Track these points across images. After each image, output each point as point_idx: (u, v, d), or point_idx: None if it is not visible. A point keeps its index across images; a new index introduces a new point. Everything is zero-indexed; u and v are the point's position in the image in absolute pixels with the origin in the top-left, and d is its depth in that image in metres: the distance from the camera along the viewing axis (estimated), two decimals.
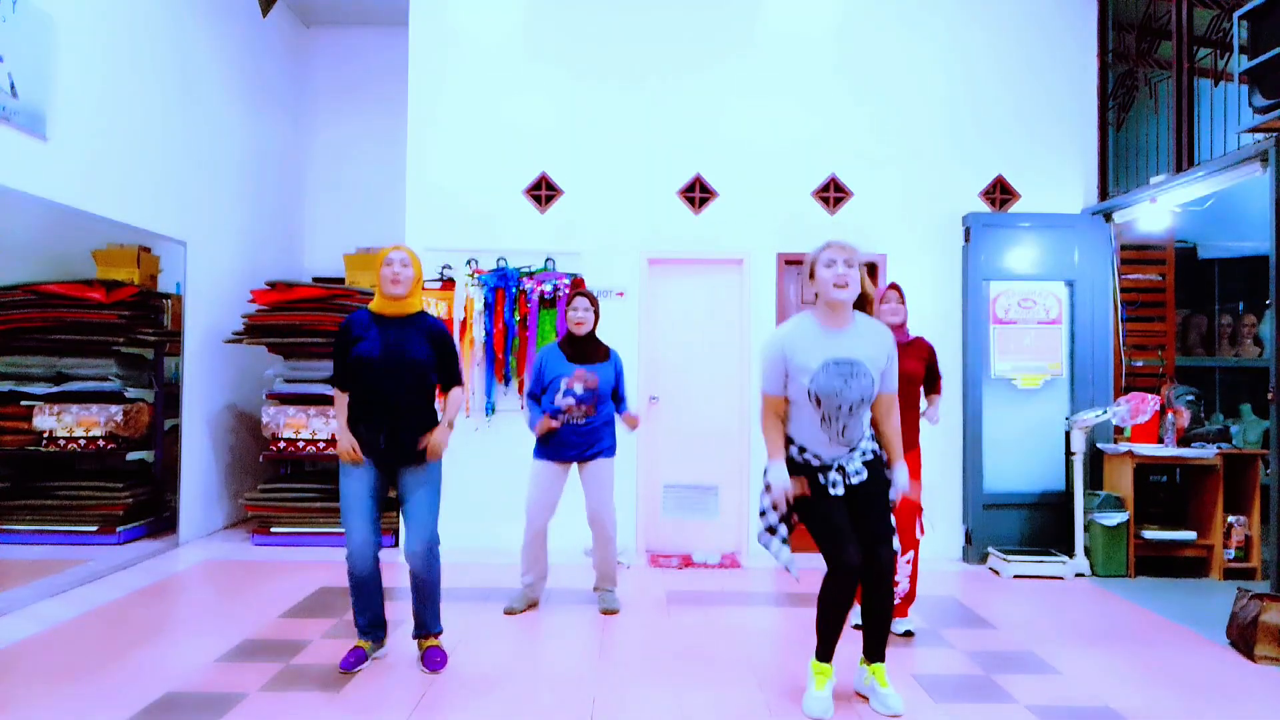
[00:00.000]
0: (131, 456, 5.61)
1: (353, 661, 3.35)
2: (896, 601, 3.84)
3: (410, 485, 3.35)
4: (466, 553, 5.27)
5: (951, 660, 3.63)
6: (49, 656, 3.47)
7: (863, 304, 3.15)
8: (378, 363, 3.24)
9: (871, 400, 3.00)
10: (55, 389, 5.38)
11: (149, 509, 5.60)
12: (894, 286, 3.92)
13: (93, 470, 5.57)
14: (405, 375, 3.26)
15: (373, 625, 3.42)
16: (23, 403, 5.37)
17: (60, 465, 5.55)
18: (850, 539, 2.97)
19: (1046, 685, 3.34)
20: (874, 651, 3.13)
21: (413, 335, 3.31)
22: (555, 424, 4.02)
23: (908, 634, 3.87)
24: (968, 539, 5.50)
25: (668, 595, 4.58)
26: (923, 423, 3.97)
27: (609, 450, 4.16)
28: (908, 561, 3.87)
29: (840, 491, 3.00)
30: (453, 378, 3.43)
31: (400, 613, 4.09)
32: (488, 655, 3.61)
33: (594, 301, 4.11)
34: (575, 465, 4.15)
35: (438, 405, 3.41)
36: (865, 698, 3.15)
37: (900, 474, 3.09)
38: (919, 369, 3.85)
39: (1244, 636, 3.73)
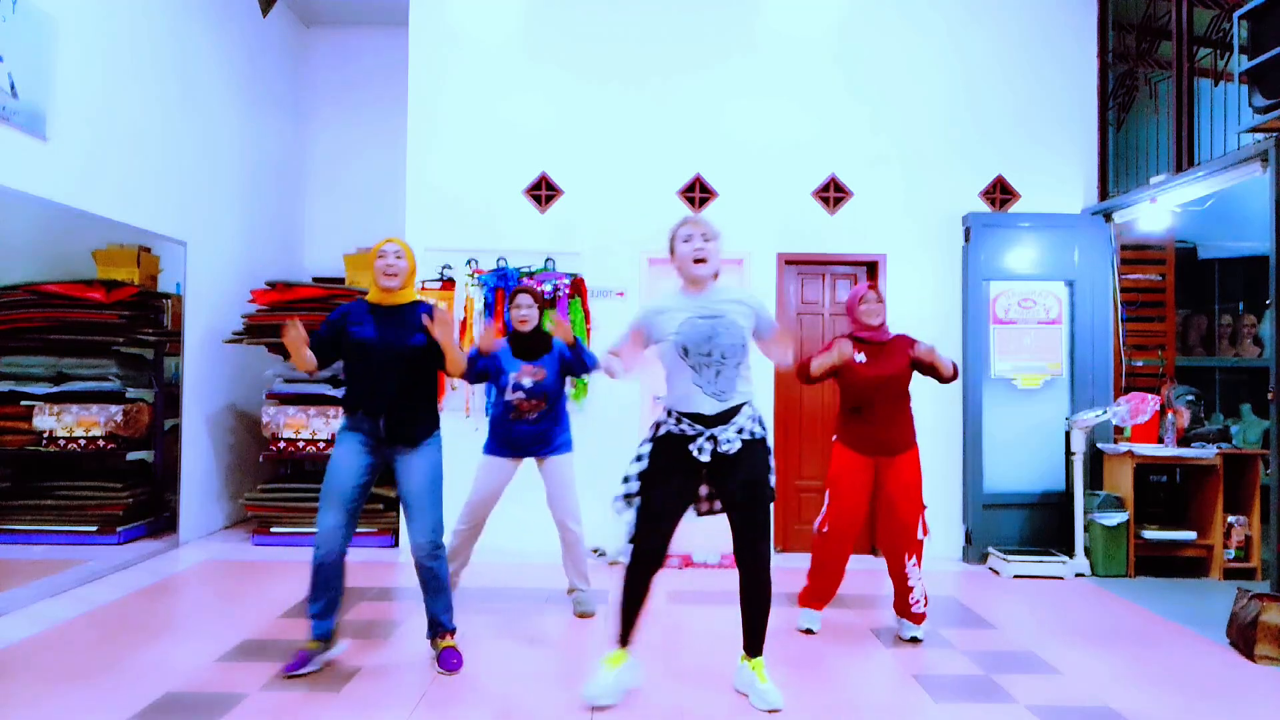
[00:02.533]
0: (131, 456, 5.61)
1: (295, 665, 3.25)
2: (919, 610, 3.85)
3: (411, 476, 3.30)
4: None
5: (951, 660, 3.63)
6: (49, 656, 3.47)
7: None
8: (376, 350, 3.23)
9: (745, 350, 3.05)
10: (55, 389, 5.37)
11: (149, 509, 5.59)
12: (872, 287, 3.91)
13: (93, 470, 5.56)
14: (402, 363, 3.25)
15: (322, 614, 3.29)
16: (23, 403, 5.37)
17: (60, 465, 5.55)
18: (664, 532, 3.03)
19: (1046, 685, 3.34)
20: (753, 646, 3.13)
21: (408, 325, 3.29)
22: (496, 336, 3.90)
23: (914, 640, 3.85)
24: (968, 539, 5.50)
25: (667, 595, 4.58)
26: (926, 422, 3.95)
27: (565, 446, 4.10)
28: (915, 565, 3.85)
29: (706, 459, 2.98)
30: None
31: (400, 614, 4.10)
32: (487, 655, 3.60)
33: (538, 298, 4.07)
34: (535, 463, 4.09)
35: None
36: (746, 694, 3.12)
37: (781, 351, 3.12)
38: (904, 367, 3.82)
39: (1244, 636, 3.73)
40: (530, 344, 4.02)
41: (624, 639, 3.12)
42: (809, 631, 3.93)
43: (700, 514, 3.18)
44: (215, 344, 5.92)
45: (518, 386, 3.94)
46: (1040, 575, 5.09)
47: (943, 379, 3.82)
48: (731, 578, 4.98)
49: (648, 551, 3.04)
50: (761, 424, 3.11)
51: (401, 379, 3.27)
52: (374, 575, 4.75)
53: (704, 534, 5.62)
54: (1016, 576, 5.08)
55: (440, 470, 3.39)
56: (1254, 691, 3.34)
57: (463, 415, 5.54)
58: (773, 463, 3.12)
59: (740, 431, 3.02)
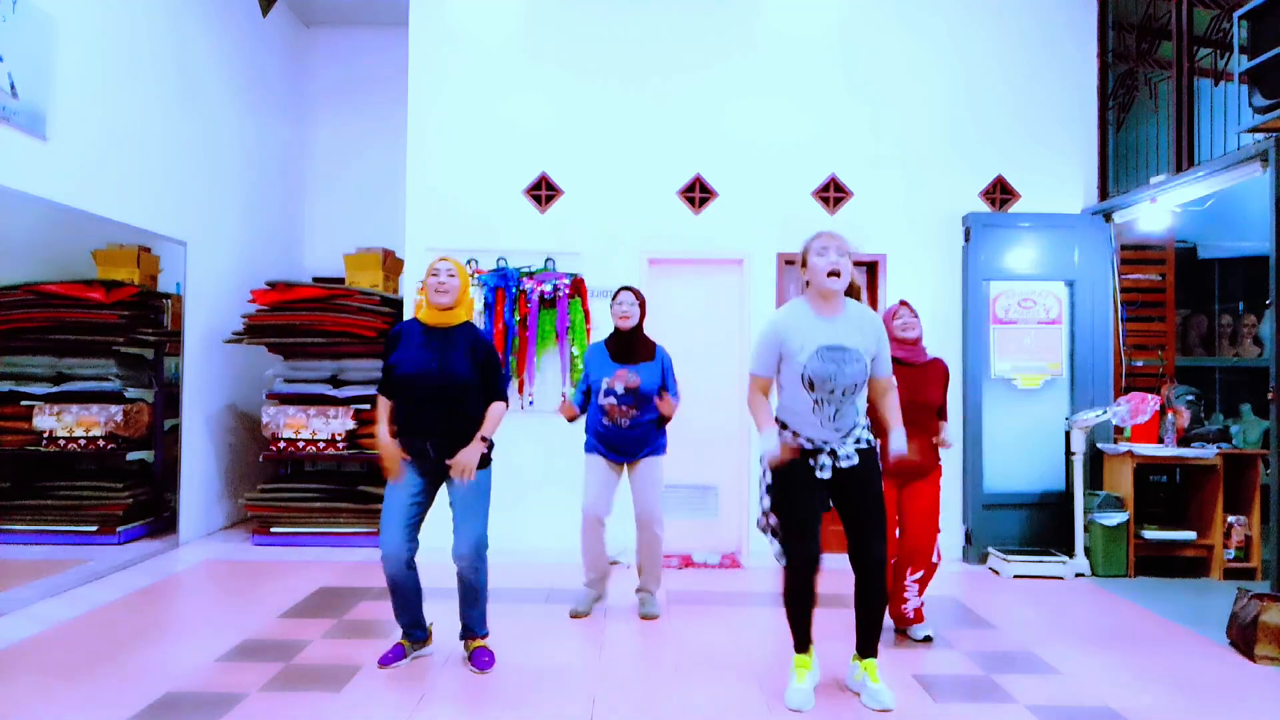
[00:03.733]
0: (131, 456, 5.61)
1: (390, 657, 3.41)
2: (910, 616, 3.86)
3: (458, 489, 3.34)
4: None
5: (951, 660, 3.63)
6: (49, 656, 3.47)
7: (851, 293, 3.19)
8: (421, 376, 3.26)
9: (864, 385, 3.05)
10: (55, 389, 5.38)
11: (149, 509, 5.60)
12: (904, 303, 3.88)
13: (93, 470, 5.57)
14: (449, 389, 3.27)
15: (411, 626, 3.45)
16: (23, 403, 5.37)
17: (60, 465, 5.55)
18: (812, 536, 3.05)
19: (1046, 685, 3.34)
20: (865, 647, 3.15)
21: (458, 347, 3.30)
22: (574, 411, 3.94)
23: (927, 639, 3.84)
24: (968, 539, 5.50)
25: (668, 595, 4.58)
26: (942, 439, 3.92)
27: (659, 449, 4.06)
28: (916, 581, 3.85)
29: (827, 475, 3.03)
30: (494, 393, 3.38)
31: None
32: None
33: (639, 297, 4.02)
34: (625, 465, 4.08)
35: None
36: (858, 694, 3.15)
37: (897, 439, 3.11)
38: (938, 394, 3.82)
39: (1244, 636, 3.73)
40: (629, 346, 3.96)
41: (803, 645, 3.16)
42: None
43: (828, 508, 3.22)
44: (215, 344, 5.92)
45: (609, 392, 3.90)
46: (1040, 575, 5.09)
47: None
48: (731, 578, 5.00)
49: (802, 558, 3.07)
50: (868, 428, 3.16)
51: (448, 407, 3.29)
52: (374, 575, 4.75)
53: (704, 534, 5.64)
54: (1016, 576, 5.08)
55: (489, 485, 3.41)
56: (1254, 691, 3.34)
57: None
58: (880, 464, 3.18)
59: (857, 442, 3.08)
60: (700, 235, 5.64)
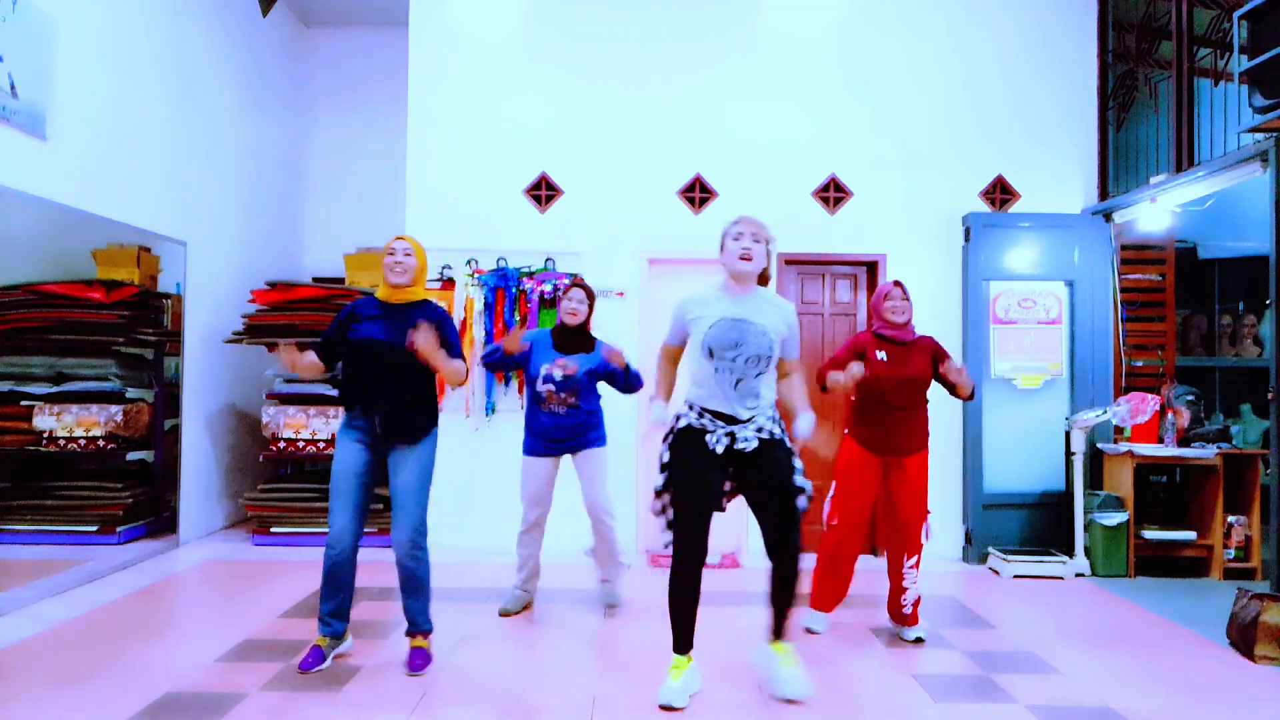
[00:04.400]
0: (131, 456, 5.61)
1: (311, 661, 3.30)
2: (908, 611, 3.85)
3: (400, 473, 3.31)
4: (466, 552, 5.28)
5: (951, 660, 3.63)
6: (49, 656, 3.47)
7: (762, 281, 3.24)
8: (376, 350, 3.24)
9: (770, 361, 3.08)
10: (55, 389, 5.37)
11: (149, 509, 5.59)
12: (898, 284, 3.87)
13: (93, 470, 5.56)
14: (405, 361, 3.24)
15: (335, 615, 3.34)
16: (23, 403, 5.37)
17: (60, 465, 5.55)
18: (702, 526, 3.04)
19: (1046, 685, 3.34)
20: (779, 631, 3.14)
21: (413, 325, 3.27)
22: (521, 345, 3.88)
23: (918, 640, 3.85)
24: (968, 539, 5.50)
25: (667, 594, 4.58)
26: (937, 423, 3.94)
27: (598, 440, 4.10)
28: (913, 567, 3.85)
29: (720, 450, 3.02)
30: (451, 355, 3.32)
31: (401, 614, 4.10)
32: (488, 655, 3.61)
33: (590, 294, 4.07)
34: (570, 459, 4.11)
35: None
36: (765, 681, 3.14)
37: (804, 422, 3.12)
38: (926, 369, 3.81)
39: (1244, 636, 3.73)
40: (573, 339, 4.02)
41: (683, 645, 3.11)
42: (811, 631, 3.93)
43: (722, 508, 3.19)
44: (215, 344, 5.92)
45: (548, 379, 3.95)
46: (1040, 575, 5.09)
47: (961, 397, 3.82)
48: (731, 578, 5.00)
49: (689, 549, 3.04)
50: (781, 427, 3.16)
51: (399, 380, 3.28)
52: (374, 575, 4.75)
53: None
54: (1016, 576, 5.08)
55: (431, 470, 3.39)
56: (1254, 691, 3.34)
57: (462, 415, 5.54)
58: (799, 464, 3.14)
59: (759, 430, 3.06)
60: (700, 235, 5.64)
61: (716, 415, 3.07)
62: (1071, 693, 3.27)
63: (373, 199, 7.05)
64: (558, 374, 3.95)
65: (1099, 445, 5.40)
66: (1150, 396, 5.19)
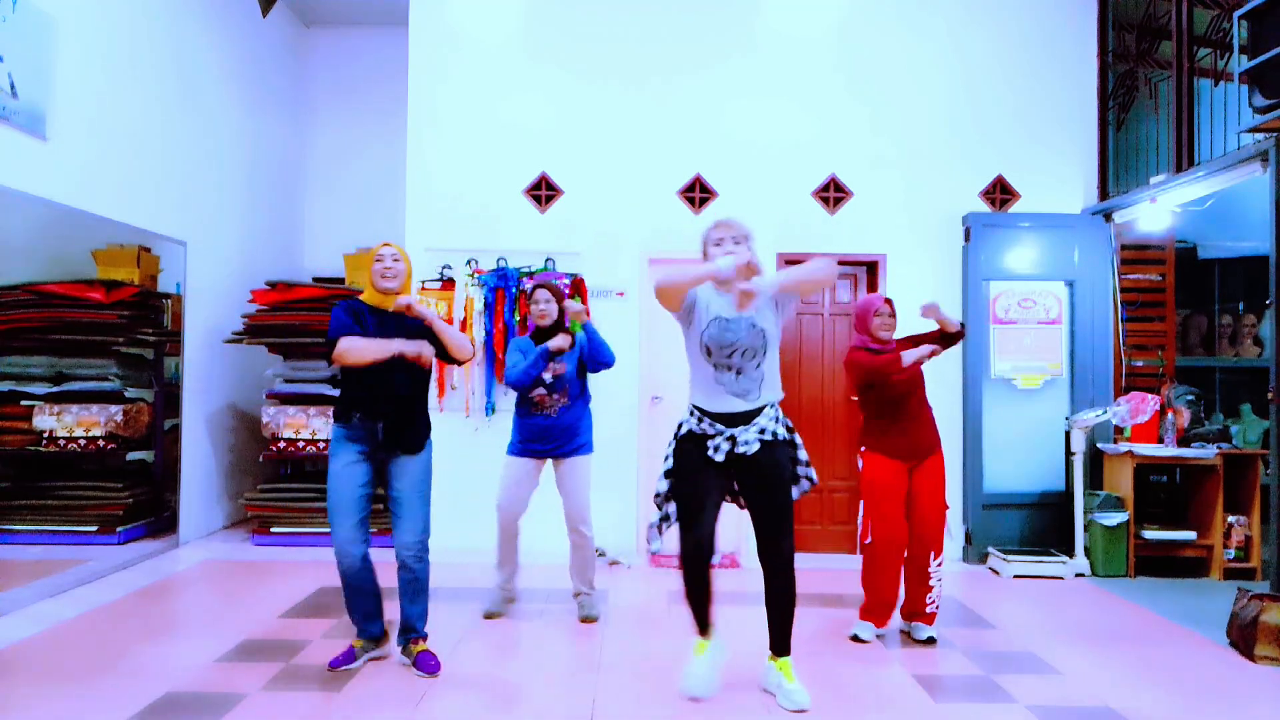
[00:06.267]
0: (131, 456, 5.60)
1: (340, 660, 3.33)
2: (932, 610, 3.84)
3: (402, 478, 3.31)
4: (467, 553, 5.27)
5: (951, 660, 3.63)
6: (49, 656, 3.47)
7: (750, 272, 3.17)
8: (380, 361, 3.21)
9: (766, 350, 3.06)
10: (55, 389, 5.37)
11: (149, 509, 5.59)
12: (888, 301, 3.90)
13: (93, 470, 5.56)
14: (398, 367, 3.23)
15: (366, 621, 3.38)
16: (23, 403, 5.36)
17: (60, 465, 5.55)
18: (704, 524, 3.05)
19: (1046, 685, 3.34)
20: (778, 645, 3.14)
21: (407, 330, 3.27)
22: (569, 342, 3.93)
23: (930, 640, 3.84)
24: (968, 539, 5.50)
25: (668, 595, 4.58)
26: (946, 426, 3.94)
27: (586, 447, 4.09)
28: (939, 565, 3.86)
29: (720, 458, 3.01)
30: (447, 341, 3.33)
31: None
32: (488, 655, 3.61)
33: (556, 292, 4.09)
34: (553, 465, 4.09)
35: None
36: (774, 695, 3.12)
37: (769, 278, 3.02)
38: (916, 368, 3.83)
39: (1244, 636, 3.73)
40: (551, 338, 4.03)
41: (703, 629, 3.17)
42: (858, 639, 3.87)
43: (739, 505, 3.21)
44: (215, 344, 5.92)
45: (539, 382, 3.97)
46: (1040, 575, 5.09)
47: (952, 334, 3.81)
48: (731, 578, 5.00)
49: (694, 546, 3.07)
50: (787, 426, 3.15)
51: (402, 385, 3.28)
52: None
53: None
54: (1016, 576, 5.08)
55: (431, 474, 3.41)
56: (1254, 691, 3.34)
57: (462, 415, 5.54)
58: (804, 455, 3.16)
59: (762, 432, 3.05)
60: (700, 235, 5.62)
61: (718, 418, 3.06)
62: (1071, 693, 3.27)
63: (373, 199, 7.04)
64: (548, 376, 3.97)
65: (1099, 445, 5.40)
66: (1150, 396, 5.19)
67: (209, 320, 5.85)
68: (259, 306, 5.78)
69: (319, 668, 3.36)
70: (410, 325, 3.30)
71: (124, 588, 4.52)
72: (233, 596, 4.45)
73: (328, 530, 5.53)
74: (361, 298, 3.37)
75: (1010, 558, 5.13)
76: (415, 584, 3.36)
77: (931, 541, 3.83)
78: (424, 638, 3.43)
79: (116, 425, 5.36)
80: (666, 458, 3.20)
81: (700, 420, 3.08)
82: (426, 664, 3.34)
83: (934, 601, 3.85)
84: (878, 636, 3.90)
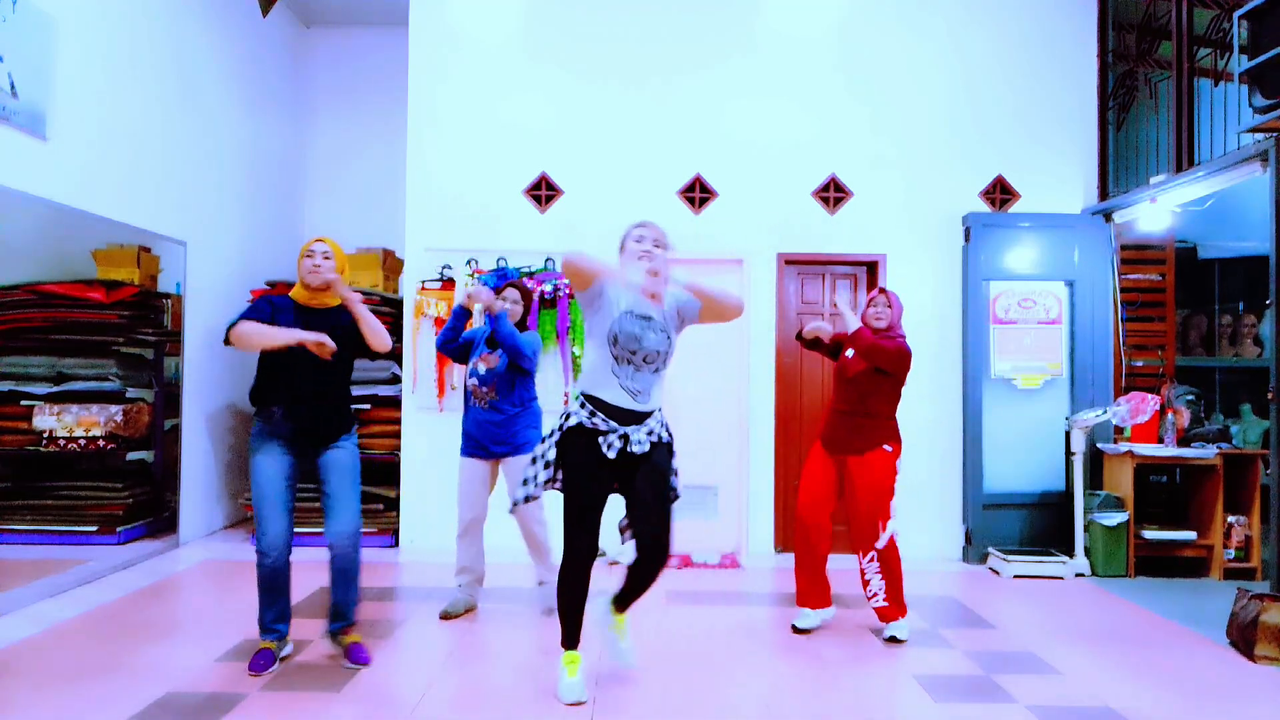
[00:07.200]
0: (131, 456, 5.60)
1: (262, 664, 3.28)
2: (878, 605, 3.83)
3: (333, 469, 3.32)
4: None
5: (951, 660, 3.63)
6: (49, 657, 3.47)
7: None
8: (297, 351, 3.19)
9: (667, 358, 3.09)
10: (55, 389, 5.37)
11: (149, 509, 5.59)
12: (883, 291, 3.92)
13: (93, 470, 5.55)
14: (323, 365, 3.22)
15: (279, 620, 3.35)
16: (23, 403, 5.36)
17: (60, 465, 5.54)
18: (590, 529, 3.05)
19: (1046, 685, 3.34)
20: (623, 602, 3.18)
21: (331, 329, 3.25)
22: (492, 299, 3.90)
23: (893, 639, 3.82)
24: (968, 539, 5.50)
25: (667, 595, 4.58)
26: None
27: (529, 445, 4.04)
28: (870, 563, 3.83)
29: (613, 455, 3.00)
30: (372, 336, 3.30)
31: (401, 614, 4.09)
32: (487, 655, 3.61)
33: (526, 293, 4.14)
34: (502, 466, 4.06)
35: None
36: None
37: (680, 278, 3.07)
38: (867, 369, 3.83)
39: (1244, 636, 3.73)
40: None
41: (571, 641, 3.12)
42: (798, 630, 3.90)
43: (624, 540, 3.18)
44: (215, 344, 5.91)
45: (474, 372, 4.02)
46: (1040, 575, 5.09)
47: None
48: (731, 578, 5.00)
49: (580, 548, 3.05)
50: (669, 431, 3.17)
51: (320, 383, 3.27)
52: (374, 575, 4.75)
53: (704, 535, 5.64)
54: (1016, 576, 5.08)
55: (359, 463, 3.42)
56: (1254, 691, 3.34)
57: (460, 415, 5.52)
58: (677, 465, 3.19)
59: (650, 434, 3.07)
60: (700, 235, 5.64)
61: (611, 413, 3.02)
62: (1071, 693, 3.27)
63: (373, 199, 7.04)
64: (481, 368, 3.99)
65: (1099, 445, 5.40)
66: (1150, 396, 5.19)
67: (209, 320, 5.85)
68: None
69: (319, 668, 3.36)
70: (343, 324, 3.27)
71: (124, 588, 4.52)
72: (233, 596, 4.44)
73: (259, 538, 5.53)
74: (291, 294, 3.36)
75: (1010, 558, 5.13)
76: (349, 572, 3.35)
77: (860, 540, 3.84)
78: (354, 625, 3.44)
79: (116, 425, 5.36)
80: (546, 451, 3.09)
81: (592, 415, 3.03)
82: (358, 654, 3.35)
83: (875, 595, 3.83)
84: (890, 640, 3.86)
